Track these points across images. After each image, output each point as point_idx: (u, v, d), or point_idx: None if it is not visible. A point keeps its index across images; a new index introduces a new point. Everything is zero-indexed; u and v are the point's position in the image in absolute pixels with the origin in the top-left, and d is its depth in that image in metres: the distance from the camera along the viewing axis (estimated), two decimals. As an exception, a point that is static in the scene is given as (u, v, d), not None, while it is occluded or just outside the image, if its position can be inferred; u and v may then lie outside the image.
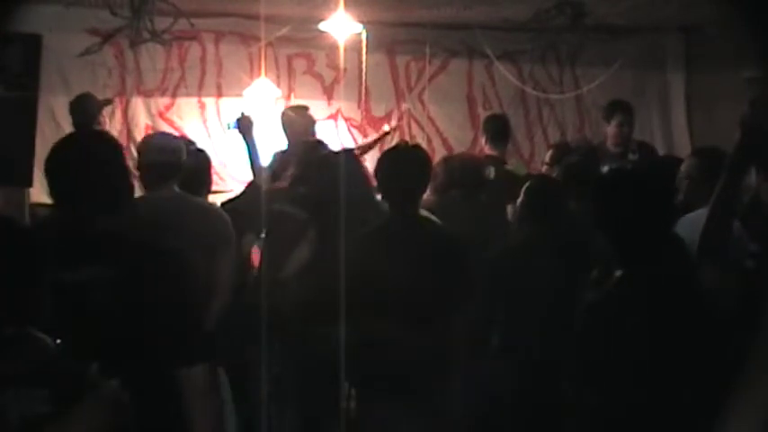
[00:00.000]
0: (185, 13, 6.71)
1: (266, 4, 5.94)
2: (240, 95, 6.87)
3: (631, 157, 6.20)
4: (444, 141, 7.74)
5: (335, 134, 7.31)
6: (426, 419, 3.77)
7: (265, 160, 5.44)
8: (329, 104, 7.47)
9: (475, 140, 7.60)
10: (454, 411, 3.80)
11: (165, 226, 3.73)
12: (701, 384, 2.76)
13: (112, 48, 6.83)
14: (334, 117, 7.38)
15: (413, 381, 3.74)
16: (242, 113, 5.00)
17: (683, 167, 4.28)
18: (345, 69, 7.00)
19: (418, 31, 7.44)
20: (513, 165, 6.48)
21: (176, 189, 4.23)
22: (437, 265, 3.81)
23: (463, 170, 5.27)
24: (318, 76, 7.49)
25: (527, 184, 4.60)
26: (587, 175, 4.78)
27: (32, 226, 3.65)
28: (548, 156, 6.03)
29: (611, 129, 6.36)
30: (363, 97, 7.38)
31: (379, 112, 7.60)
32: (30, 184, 5.04)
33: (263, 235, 4.61)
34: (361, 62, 7.02)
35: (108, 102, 6.52)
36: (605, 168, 5.23)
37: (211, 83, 7.19)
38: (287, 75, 7.41)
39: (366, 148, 6.58)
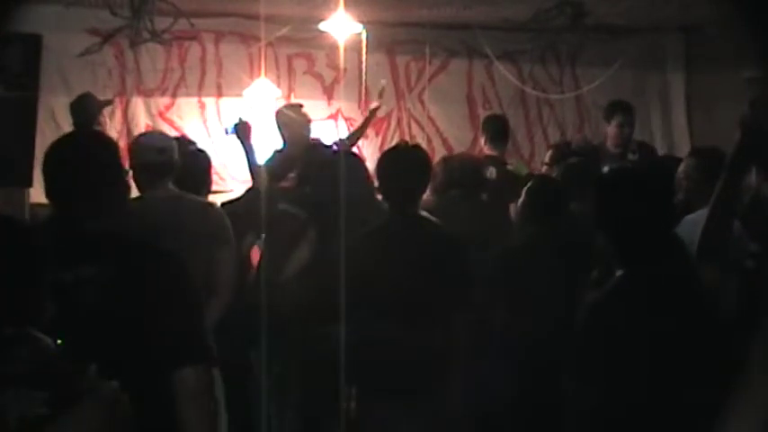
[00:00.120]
0: (185, 13, 6.71)
1: (266, 4, 5.94)
2: (240, 95, 6.87)
3: (631, 157, 6.20)
4: (444, 141, 7.74)
5: (335, 134, 7.30)
6: (426, 419, 3.77)
7: (265, 160, 5.45)
8: (329, 104, 7.47)
9: (475, 140, 7.59)
10: (454, 411, 3.80)
11: (163, 226, 3.72)
12: (701, 384, 2.76)
13: (112, 48, 6.82)
14: (334, 117, 7.38)
15: (413, 381, 3.74)
16: (240, 119, 5.00)
17: (681, 167, 4.28)
18: (345, 69, 7.00)
19: (418, 31, 7.43)
20: (513, 165, 6.49)
21: (172, 188, 4.19)
22: (437, 266, 3.81)
23: (463, 170, 5.27)
24: (318, 76, 7.49)
25: (528, 184, 4.60)
26: (587, 175, 4.78)
27: (32, 225, 3.65)
28: (548, 156, 6.03)
29: (611, 129, 6.36)
30: (363, 97, 7.37)
31: (379, 112, 7.57)
32: (30, 184, 5.05)
33: (263, 236, 4.61)
34: (361, 62, 7.02)
35: (108, 102, 6.52)
36: (605, 168, 5.23)
37: (211, 83, 7.19)
38: (287, 75, 7.41)
39: (358, 134, 6.50)
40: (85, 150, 2.63)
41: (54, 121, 6.38)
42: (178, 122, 7.07)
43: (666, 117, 8.23)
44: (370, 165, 4.56)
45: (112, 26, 6.61)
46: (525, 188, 4.55)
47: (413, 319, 3.76)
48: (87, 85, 6.57)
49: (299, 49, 7.36)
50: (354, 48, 6.80)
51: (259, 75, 6.74)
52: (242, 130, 4.93)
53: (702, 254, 3.26)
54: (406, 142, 6.26)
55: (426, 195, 4.49)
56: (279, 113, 5.84)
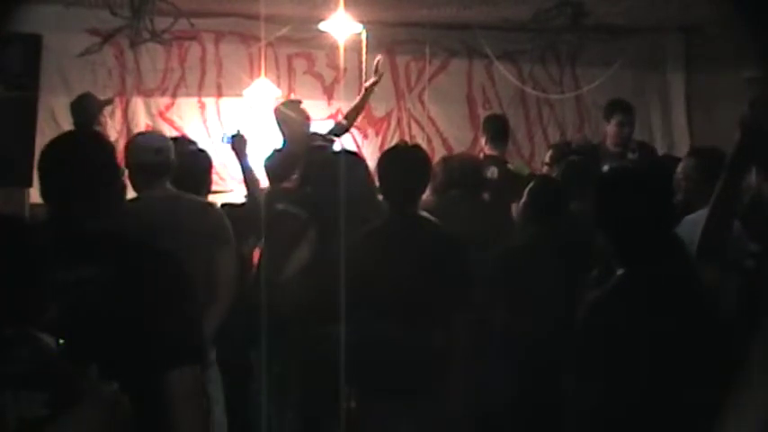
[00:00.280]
0: (185, 13, 6.71)
1: (266, 4, 5.94)
2: (240, 95, 6.87)
3: (631, 156, 6.19)
4: (444, 141, 7.74)
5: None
6: (426, 419, 3.77)
7: (264, 159, 5.46)
8: (329, 104, 7.47)
9: (475, 140, 7.60)
10: (454, 411, 3.80)
11: (161, 226, 3.72)
12: (701, 384, 2.76)
13: (112, 48, 6.82)
14: (334, 117, 7.37)
15: (413, 381, 3.74)
16: (237, 131, 4.99)
17: (680, 167, 4.28)
18: (345, 69, 6.99)
19: (418, 31, 7.44)
20: (515, 165, 6.49)
21: (170, 188, 4.17)
22: (437, 266, 3.81)
23: (462, 170, 5.26)
24: (318, 76, 7.49)
25: (530, 184, 4.60)
26: (588, 174, 4.78)
27: (32, 224, 3.64)
28: (548, 156, 6.03)
29: (610, 128, 6.35)
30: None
31: (379, 111, 7.60)
32: (30, 184, 5.04)
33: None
34: (361, 62, 7.02)
35: (109, 101, 6.52)
36: (605, 168, 5.23)
37: (211, 83, 7.19)
38: (287, 75, 7.41)
39: (356, 112, 6.42)
40: (80, 150, 2.62)
41: (54, 121, 6.38)
42: (178, 122, 7.07)
43: (666, 117, 8.23)
44: (370, 165, 4.56)
45: (112, 26, 6.61)
46: (527, 188, 4.55)
47: (413, 319, 3.76)
48: (87, 85, 6.57)
49: (299, 49, 7.36)
50: (354, 48, 6.80)
51: (259, 75, 6.75)
52: (238, 144, 4.93)
53: (702, 254, 3.26)
54: (406, 142, 6.26)
55: (426, 195, 4.48)
56: (277, 111, 5.83)
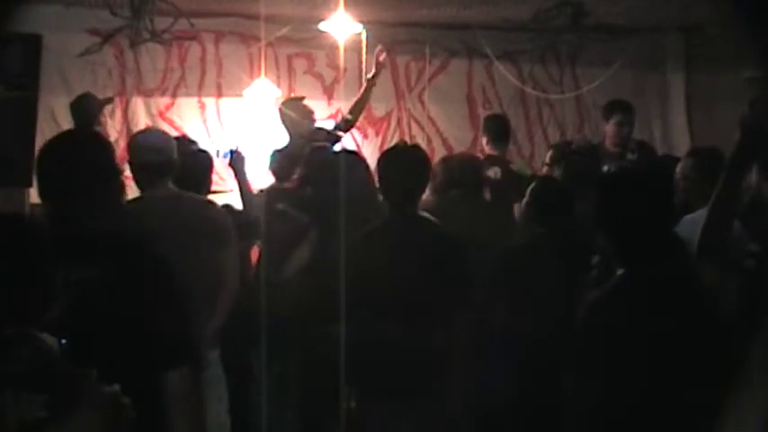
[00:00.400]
0: (185, 13, 6.71)
1: (266, 4, 5.94)
2: (240, 95, 6.87)
3: (630, 156, 6.19)
4: (444, 141, 7.74)
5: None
6: (426, 419, 3.77)
7: (265, 161, 5.47)
8: (329, 104, 7.46)
9: (475, 140, 7.60)
10: (454, 411, 3.80)
11: (163, 225, 3.72)
12: (701, 384, 2.76)
13: (112, 48, 6.82)
14: (334, 117, 7.36)
15: (413, 381, 3.74)
16: (236, 148, 4.99)
17: (678, 167, 4.29)
18: (345, 69, 6.99)
19: (418, 31, 7.44)
20: (517, 165, 6.49)
21: (172, 187, 4.16)
22: (436, 266, 3.81)
23: (462, 170, 5.26)
24: (318, 76, 7.49)
25: (532, 185, 4.60)
26: (589, 174, 4.78)
27: (35, 223, 3.64)
28: (548, 156, 6.02)
29: (609, 128, 6.35)
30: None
31: (379, 111, 7.59)
32: (30, 184, 5.04)
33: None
34: (361, 62, 7.02)
35: (109, 100, 6.52)
36: (605, 168, 5.22)
37: (211, 83, 7.19)
38: (287, 75, 7.41)
39: (360, 106, 6.39)
40: (78, 149, 2.62)
41: (54, 121, 6.37)
42: (178, 122, 7.07)
43: (666, 117, 8.23)
44: (370, 165, 4.56)
45: (112, 26, 6.60)
46: (529, 189, 4.55)
47: (413, 319, 3.76)
48: (87, 85, 6.57)
49: (299, 49, 7.36)
50: (354, 48, 6.80)
51: (259, 75, 6.74)
52: (236, 162, 4.92)
53: (702, 254, 3.26)
54: (405, 142, 6.26)
55: (426, 195, 4.49)
56: (280, 111, 5.86)
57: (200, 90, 7.18)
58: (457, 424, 3.83)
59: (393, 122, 7.71)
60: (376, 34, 6.90)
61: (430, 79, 7.60)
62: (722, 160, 3.34)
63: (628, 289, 2.95)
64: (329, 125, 6.48)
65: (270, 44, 6.94)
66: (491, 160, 6.06)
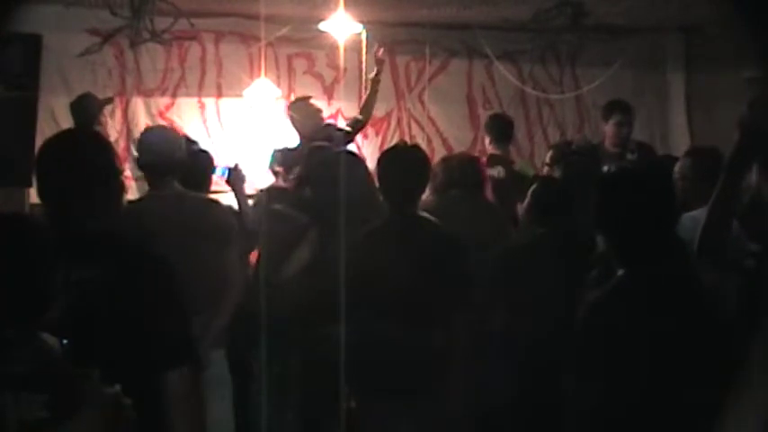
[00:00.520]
0: (185, 13, 6.72)
1: (266, 4, 5.94)
2: (240, 95, 6.88)
3: (630, 156, 6.19)
4: (444, 141, 7.75)
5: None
6: (426, 419, 3.77)
7: (265, 161, 5.47)
8: (329, 104, 7.47)
9: (475, 140, 7.61)
10: (454, 411, 3.80)
11: (167, 224, 3.73)
12: (701, 384, 2.76)
13: (112, 48, 6.83)
14: (334, 117, 7.38)
15: (413, 381, 3.74)
16: (235, 165, 4.99)
17: (677, 167, 4.29)
18: (345, 69, 7.00)
19: (418, 31, 7.44)
20: (520, 165, 6.50)
21: (176, 186, 4.16)
22: (436, 266, 3.81)
23: (462, 170, 5.26)
24: (318, 76, 7.50)
25: (533, 186, 4.60)
26: (589, 174, 4.78)
27: (37, 223, 3.65)
28: (548, 156, 6.02)
29: (609, 128, 6.35)
30: (363, 97, 7.38)
31: (379, 111, 7.57)
32: (30, 183, 5.05)
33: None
34: (361, 62, 7.02)
35: (109, 100, 6.52)
36: (605, 168, 5.22)
37: (211, 83, 7.20)
38: (287, 75, 7.41)
39: (369, 107, 6.36)
40: (78, 149, 2.61)
41: (54, 121, 6.38)
42: (178, 122, 7.07)
43: (666, 117, 8.24)
44: (370, 165, 4.56)
45: (112, 26, 6.61)
46: (530, 190, 4.55)
47: (413, 320, 3.76)
48: (87, 85, 6.58)
49: (299, 49, 7.36)
50: (354, 48, 6.81)
51: (259, 75, 6.75)
52: (234, 179, 4.92)
53: (702, 253, 3.26)
54: (405, 142, 6.27)
55: (426, 195, 4.48)
56: (290, 114, 5.92)
57: (200, 90, 7.19)
58: (457, 424, 3.83)
59: (393, 122, 7.71)
60: (376, 34, 6.91)
61: (430, 79, 7.61)
62: (720, 160, 3.34)
63: (628, 289, 2.95)
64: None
65: (270, 44, 6.95)
66: (494, 160, 6.06)
